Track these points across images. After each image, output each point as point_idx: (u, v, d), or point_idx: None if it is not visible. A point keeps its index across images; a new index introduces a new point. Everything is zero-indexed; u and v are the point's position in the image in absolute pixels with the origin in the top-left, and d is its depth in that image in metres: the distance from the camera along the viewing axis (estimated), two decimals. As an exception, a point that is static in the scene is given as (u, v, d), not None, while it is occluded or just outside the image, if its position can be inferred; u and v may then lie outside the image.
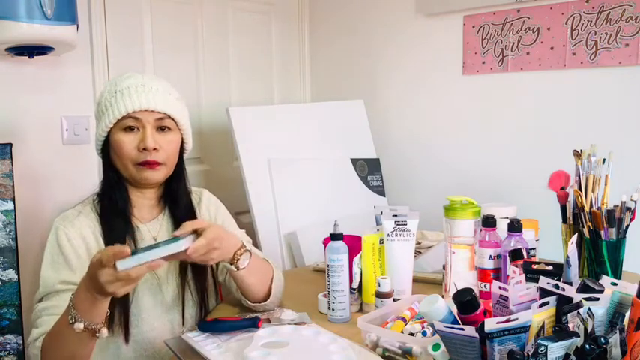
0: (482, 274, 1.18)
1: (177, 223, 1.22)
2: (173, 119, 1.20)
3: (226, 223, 1.35)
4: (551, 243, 1.43)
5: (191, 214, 1.27)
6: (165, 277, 1.23)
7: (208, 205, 1.35)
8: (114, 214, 1.19)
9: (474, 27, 1.98)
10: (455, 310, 0.87)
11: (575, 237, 1.02)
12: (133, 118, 1.16)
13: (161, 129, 1.19)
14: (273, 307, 1.25)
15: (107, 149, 1.21)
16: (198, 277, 1.25)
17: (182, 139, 1.24)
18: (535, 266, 0.99)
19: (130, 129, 1.16)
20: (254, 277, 1.20)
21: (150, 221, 1.25)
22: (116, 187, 1.21)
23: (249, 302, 1.23)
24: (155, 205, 1.26)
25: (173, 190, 1.26)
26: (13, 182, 1.53)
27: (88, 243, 1.16)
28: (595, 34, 1.72)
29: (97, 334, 0.98)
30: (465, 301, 0.86)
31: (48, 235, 1.19)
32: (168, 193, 1.27)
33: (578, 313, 0.80)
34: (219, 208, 1.37)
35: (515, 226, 1.15)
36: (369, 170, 2.16)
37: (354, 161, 2.14)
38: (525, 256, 1.06)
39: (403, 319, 1.06)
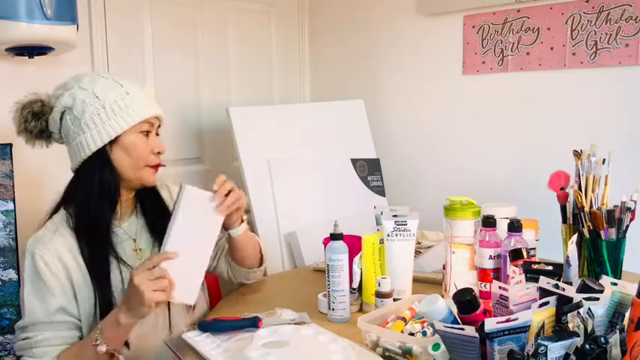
0: (482, 274, 1.18)
1: (150, 222, 1.27)
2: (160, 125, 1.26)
3: None
4: (551, 243, 1.43)
5: (164, 211, 1.28)
6: None
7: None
8: (94, 225, 1.17)
9: (474, 27, 1.98)
10: (455, 310, 0.87)
11: (575, 237, 1.02)
12: (150, 123, 1.20)
13: (157, 134, 1.24)
14: (262, 275, 1.42)
15: (104, 152, 1.17)
16: None
17: None
18: (535, 266, 0.99)
19: (145, 133, 1.20)
20: (250, 242, 1.35)
21: (125, 222, 1.25)
22: (108, 194, 1.18)
23: (247, 270, 1.37)
24: (129, 206, 1.27)
25: (147, 190, 1.28)
26: (13, 182, 1.53)
27: (65, 264, 1.13)
28: (595, 34, 1.72)
29: (115, 358, 1.06)
30: (465, 301, 0.86)
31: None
32: (142, 194, 1.28)
33: (578, 313, 0.80)
34: None
35: (515, 226, 1.15)
36: (369, 170, 2.16)
37: (354, 161, 2.14)
38: (525, 256, 1.06)
39: (403, 319, 1.06)
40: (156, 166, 1.23)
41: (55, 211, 1.21)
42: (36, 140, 1.24)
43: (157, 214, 1.27)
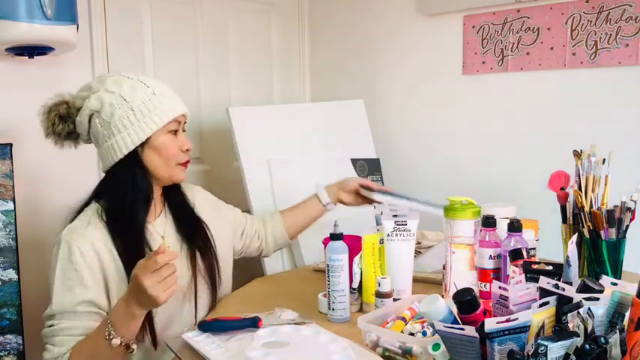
0: (482, 274, 1.18)
1: (177, 220, 1.30)
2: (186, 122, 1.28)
3: (221, 206, 1.46)
4: (551, 243, 1.43)
5: (190, 209, 1.33)
6: (179, 270, 1.21)
7: (202, 198, 1.41)
8: (130, 226, 1.18)
9: (474, 27, 1.98)
10: (455, 310, 0.87)
11: (575, 237, 1.02)
12: (177, 121, 1.22)
13: (183, 130, 1.26)
14: None
15: (135, 153, 1.18)
16: (207, 262, 1.30)
17: None
18: (535, 266, 0.99)
19: (174, 132, 1.22)
20: None
21: (155, 219, 1.27)
22: (142, 193, 1.20)
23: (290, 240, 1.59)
24: (160, 202, 1.30)
25: (172, 188, 1.31)
26: (13, 182, 1.53)
27: (100, 256, 1.14)
28: (595, 34, 1.72)
29: (130, 349, 1.08)
30: (465, 301, 0.86)
31: (47, 239, 1.18)
32: (168, 189, 1.30)
33: (578, 313, 0.80)
34: (210, 195, 1.47)
35: (515, 226, 1.15)
36: (369, 170, 2.16)
37: (354, 161, 2.14)
38: (525, 256, 1.06)
39: (403, 319, 1.06)
40: (185, 163, 1.25)
41: (87, 204, 1.22)
42: (64, 141, 1.26)
43: (182, 213, 1.31)
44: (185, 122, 1.26)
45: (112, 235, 1.17)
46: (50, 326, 1.12)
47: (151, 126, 1.17)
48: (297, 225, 1.58)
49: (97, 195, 1.23)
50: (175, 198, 1.32)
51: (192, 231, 1.31)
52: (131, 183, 1.19)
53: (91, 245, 1.14)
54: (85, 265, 1.12)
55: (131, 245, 1.17)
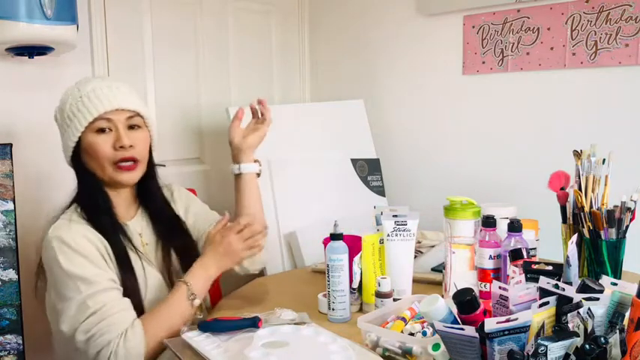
0: (482, 274, 1.18)
1: (154, 219, 1.30)
2: (142, 116, 1.25)
3: (199, 207, 1.44)
4: (551, 243, 1.43)
5: (167, 208, 1.34)
6: (151, 271, 1.25)
7: (180, 197, 1.42)
8: (100, 215, 1.20)
9: (473, 27, 1.98)
10: (455, 310, 0.87)
11: (575, 237, 1.02)
12: (105, 119, 1.19)
13: (131, 127, 1.22)
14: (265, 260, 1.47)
15: (78, 156, 1.22)
16: (184, 262, 1.28)
17: (150, 136, 1.28)
18: (535, 266, 0.99)
19: (102, 130, 1.19)
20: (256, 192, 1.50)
21: (131, 219, 1.28)
22: (95, 190, 1.22)
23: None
24: (131, 204, 1.30)
25: (147, 187, 1.30)
26: (13, 182, 1.52)
27: (94, 243, 1.16)
28: (595, 34, 1.72)
29: (200, 311, 1.20)
30: (465, 301, 0.86)
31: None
32: (143, 191, 1.30)
33: (578, 313, 0.80)
34: (189, 196, 1.46)
35: (515, 226, 1.15)
36: (369, 170, 2.16)
37: (354, 161, 2.14)
38: (525, 256, 1.06)
39: (403, 319, 1.06)
40: (124, 161, 1.19)
41: (69, 206, 1.24)
42: None
43: (159, 213, 1.31)
44: (131, 117, 1.21)
45: (92, 225, 1.19)
46: (84, 321, 1.06)
47: (77, 127, 1.18)
48: (249, 208, 1.45)
49: (76, 196, 1.26)
50: (150, 199, 1.31)
51: (170, 231, 1.31)
52: (84, 185, 1.23)
53: (82, 235, 1.15)
54: (86, 248, 1.13)
55: (111, 237, 1.19)
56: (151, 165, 1.30)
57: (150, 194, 1.31)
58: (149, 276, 1.22)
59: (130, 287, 1.16)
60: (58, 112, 1.25)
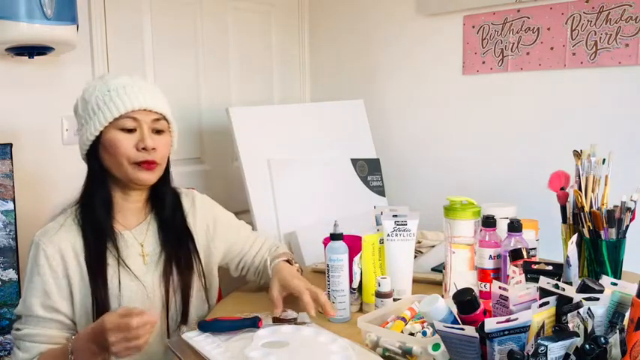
0: (482, 274, 1.18)
1: (163, 225, 1.25)
2: (167, 120, 1.21)
3: (225, 220, 1.38)
4: (551, 243, 1.43)
5: (179, 215, 1.28)
6: (151, 287, 1.21)
7: (202, 209, 1.34)
8: (95, 223, 1.17)
9: (473, 27, 1.98)
10: (455, 310, 0.87)
11: (575, 237, 1.02)
12: (132, 118, 1.15)
13: (156, 131, 1.19)
14: None
15: (95, 151, 1.18)
16: (183, 280, 1.24)
17: (171, 142, 1.24)
18: (535, 266, 0.99)
19: (127, 129, 1.15)
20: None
21: (135, 227, 1.23)
22: (99, 191, 1.19)
23: None
24: (141, 209, 1.25)
25: (160, 192, 1.26)
26: (13, 182, 1.53)
27: (65, 260, 1.13)
28: (595, 34, 1.72)
29: None
30: (465, 301, 0.86)
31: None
32: (155, 196, 1.26)
33: (578, 313, 0.80)
34: (214, 207, 1.39)
35: (515, 226, 1.15)
36: (369, 170, 2.16)
37: (354, 161, 2.14)
38: (525, 256, 1.06)
39: (403, 319, 1.06)
40: (145, 163, 1.16)
41: (69, 207, 1.22)
42: None
43: (170, 224, 1.25)
44: (158, 120, 1.19)
45: (84, 235, 1.16)
46: (17, 330, 1.13)
47: (100, 122, 1.14)
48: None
49: (79, 196, 1.22)
50: (161, 204, 1.26)
51: (175, 241, 1.25)
52: (93, 182, 1.20)
53: (58, 250, 1.13)
54: (48, 269, 1.12)
55: (94, 246, 1.15)
56: (167, 170, 1.26)
57: (162, 200, 1.26)
58: (124, 288, 1.16)
59: (99, 299, 1.14)
60: (80, 102, 1.19)
